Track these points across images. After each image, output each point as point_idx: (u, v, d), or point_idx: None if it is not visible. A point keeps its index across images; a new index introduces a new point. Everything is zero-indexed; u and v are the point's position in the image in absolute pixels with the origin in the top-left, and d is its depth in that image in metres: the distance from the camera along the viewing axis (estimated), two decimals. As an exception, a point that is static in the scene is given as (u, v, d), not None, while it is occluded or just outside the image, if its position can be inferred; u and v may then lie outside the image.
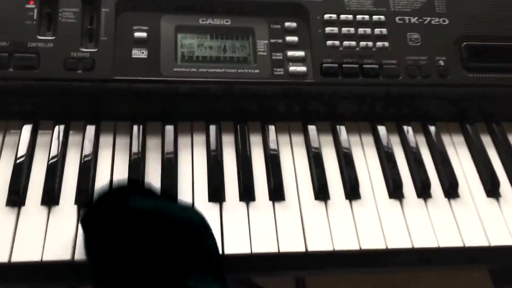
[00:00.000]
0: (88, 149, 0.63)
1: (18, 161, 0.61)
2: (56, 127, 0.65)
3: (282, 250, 0.59)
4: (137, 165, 0.63)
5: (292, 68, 0.69)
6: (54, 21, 0.65)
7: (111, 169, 0.63)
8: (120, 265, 0.50)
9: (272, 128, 0.69)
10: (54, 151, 0.63)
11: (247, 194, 0.62)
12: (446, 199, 0.66)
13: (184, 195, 0.62)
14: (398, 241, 0.61)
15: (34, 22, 0.64)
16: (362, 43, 0.71)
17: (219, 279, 0.52)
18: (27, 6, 0.65)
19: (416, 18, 0.73)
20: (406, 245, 0.61)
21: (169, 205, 0.55)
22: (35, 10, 0.65)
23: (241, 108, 0.69)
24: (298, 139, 0.69)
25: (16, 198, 0.58)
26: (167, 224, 0.52)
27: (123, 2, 0.68)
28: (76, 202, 0.59)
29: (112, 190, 0.56)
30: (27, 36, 0.64)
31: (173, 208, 0.55)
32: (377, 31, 0.72)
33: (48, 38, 0.64)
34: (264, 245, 0.59)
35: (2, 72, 0.62)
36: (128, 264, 0.50)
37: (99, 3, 0.67)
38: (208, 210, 0.60)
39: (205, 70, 0.67)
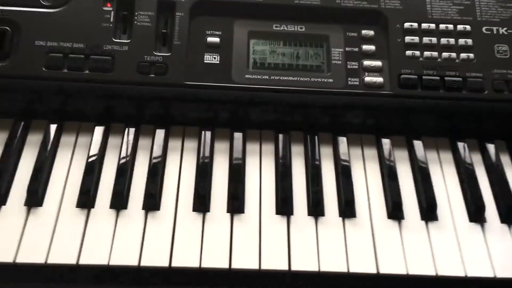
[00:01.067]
0: (157, 153, 0.63)
1: (89, 162, 0.61)
2: (126, 130, 0.65)
3: (351, 270, 0.56)
4: (205, 170, 0.62)
5: (368, 78, 0.65)
6: (130, 24, 0.65)
7: (179, 174, 0.62)
8: None
9: (343, 140, 0.66)
10: (124, 154, 0.62)
11: (316, 208, 0.60)
12: (534, 226, 0.61)
13: (251, 205, 0.60)
14: (479, 269, 0.57)
15: (111, 25, 0.65)
16: (445, 54, 0.66)
17: None
18: (104, 8, 0.66)
19: (505, 28, 0.68)
20: (487, 274, 0.57)
21: None
22: (112, 13, 0.65)
23: (312, 118, 0.67)
24: (371, 153, 0.66)
25: (87, 199, 0.58)
26: None
27: (197, 6, 0.67)
28: (144, 207, 0.59)
29: None
30: (103, 38, 0.64)
31: None
32: (461, 41, 0.67)
33: (124, 41, 0.65)
34: (333, 263, 0.56)
35: (77, 74, 0.63)
36: None
37: (174, 7, 0.66)
38: (275, 224, 0.58)
39: (277, 77, 0.65)
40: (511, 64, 0.66)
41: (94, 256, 0.54)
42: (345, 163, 0.64)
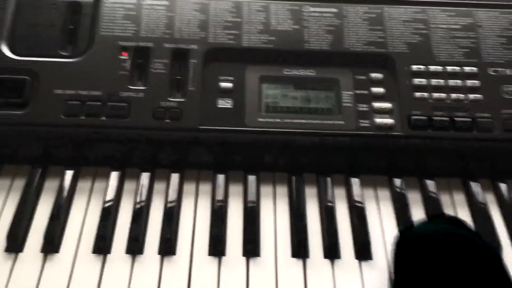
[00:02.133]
0: (172, 197, 0.63)
1: (105, 208, 0.62)
2: (142, 175, 0.65)
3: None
4: (219, 213, 0.62)
5: (378, 120, 0.67)
6: (145, 72, 0.67)
7: (194, 218, 0.63)
8: None
9: (356, 181, 0.67)
10: (139, 198, 0.63)
11: (332, 251, 0.60)
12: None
13: (267, 248, 0.60)
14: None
15: (127, 73, 0.67)
16: (453, 95, 0.68)
17: None
18: (121, 57, 0.68)
19: (510, 69, 0.70)
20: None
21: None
22: (128, 61, 0.67)
23: (324, 160, 0.67)
24: (384, 194, 0.66)
25: (103, 245, 0.59)
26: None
27: (210, 53, 0.69)
28: (159, 252, 0.59)
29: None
30: (119, 86, 0.66)
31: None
32: (469, 82, 0.68)
33: (139, 88, 0.66)
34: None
35: (94, 120, 0.64)
36: None
37: (188, 54, 0.68)
38: (291, 267, 0.58)
39: (289, 120, 0.66)
40: (518, 104, 0.67)
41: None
42: (360, 206, 0.64)
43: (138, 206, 0.62)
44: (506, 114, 0.67)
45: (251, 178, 0.66)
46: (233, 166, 0.67)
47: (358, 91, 0.69)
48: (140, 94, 0.66)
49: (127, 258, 0.58)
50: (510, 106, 0.67)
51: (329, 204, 0.64)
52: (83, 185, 0.65)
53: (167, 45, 0.68)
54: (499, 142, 0.66)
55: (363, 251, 0.60)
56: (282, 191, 0.66)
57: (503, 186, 0.67)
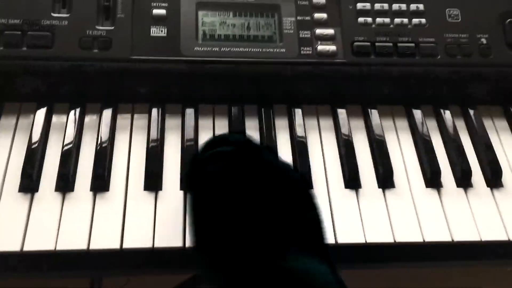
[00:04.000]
0: (104, 132, 0.60)
1: (31, 146, 0.58)
2: (72, 110, 0.61)
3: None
4: (155, 149, 0.59)
5: (320, 47, 0.64)
6: (69, -2, 0.62)
7: (128, 153, 0.60)
8: (226, 227, 0.45)
9: (299, 111, 0.65)
10: (69, 135, 0.59)
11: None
12: (489, 189, 0.61)
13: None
14: (436, 234, 0.57)
15: (48, -1, 0.61)
16: (397, 20, 0.65)
17: (323, 257, 0.46)
18: (41, -19, 0.62)
19: (455, -8, 0.68)
20: (444, 238, 0.56)
21: (290, 167, 0.52)
22: (50, -14, 0.61)
23: (265, 90, 0.65)
24: (327, 124, 0.65)
25: (30, 184, 0.55)
26: (286, 185, 0.48)
27: (141, -23, 0.64)
28: (91, 189, 0.56)
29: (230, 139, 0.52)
30: (41, 13, 0.60)
31: (285, 165, 0.52)
32: (413, 6, 0.66)
33: (63, 16, 0.61)
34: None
35: (14, 51, 0.59)
36: (234, 224, 0.45)
37: (116, -22, 0.63)
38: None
39: (228, 49, 0.63)
40: (462, 28, 0.66)
41: (39, 242, 0.52)
42: (301, 138, 0.62)
43: (67, 142, 0.59)
44: (449, 38, 0.65)
45: (189, 111, 0.63)
46: (171, 99, 0.64)
47: (300, 17, 0.65)
48: (64, 22, 0.61)
49: (57, 196, 0.55)
50: (453, 31, 0.66)
51: (271, 135, 0.62)
52: (7, 122, 0.60)
53: (93, -32, 0.63)
54: (442, 67, 0.64)
55: (306, 181, 0.59)
56: (222, 123, 0.64)
57: (444, 112, 0.66)
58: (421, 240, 0.56)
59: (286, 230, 0.45)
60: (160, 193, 0.57)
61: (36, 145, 0.58)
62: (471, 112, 0.67)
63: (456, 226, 0.57)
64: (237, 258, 0.44)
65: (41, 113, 0.61)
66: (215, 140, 0.52)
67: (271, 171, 0.49)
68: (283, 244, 0.45)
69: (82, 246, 0.52)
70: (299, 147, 0.62)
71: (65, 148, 0.58)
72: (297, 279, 0.43)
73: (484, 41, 0.66)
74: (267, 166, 0.49)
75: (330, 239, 0.55)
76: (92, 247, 0.52)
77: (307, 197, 0.49)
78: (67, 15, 0.61)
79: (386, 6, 0.66)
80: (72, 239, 0.52)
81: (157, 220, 0.55)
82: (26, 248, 0.51)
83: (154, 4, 0.63)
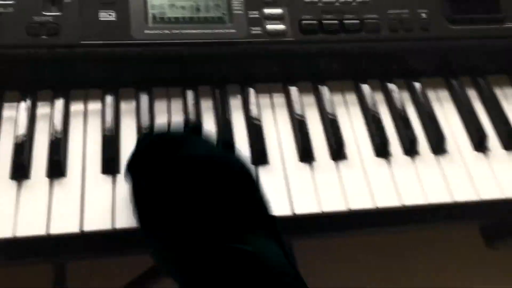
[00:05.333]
0: (57, 119, 0.59)
1: (-18, 136, 0.57)
2: (23, 98, 0.61)
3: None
4: (111, 133, 0.60)
5: (269, 27, 0.65)
6: (13, -16, 0.61)
7: (83, 140, 0.60)
8: (170, 215, 0.46)
9: (251, 90, 0.66)
10: (21, 123, 0.59)
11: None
12: (434, 156, 0.64)
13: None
14: (387, 200, 0.60)
15: (-9, -15, 0.60)
16: (342, -2, 0.68)
17: (274, 234, 0.47)
18: (-17, -33, 0.60)
19: (395, -32, 0.70)
20: (395, 203, 0.60)
21: (223, 153, 0.52)
22: (-9, -28, 0.60)
23: (218, 71, 0.66)
24: (280, 101, 0.67)
25: (-17, 173, 0.55)
26: (222, 173, 0.48)
27: (86, -39, 0.63)
28: (48, 175, 0.56)
29: (165, 134, 0.53)
30: (-17, 0, 0.59)
31: (229, 157, 0.52)
32: (356, -16, 0.69)
33: (8, 2, 0.60)
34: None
35: (-43, 40, 0.58)
36: (179, 215, 0.46)
37: (61, -38, 0.62)
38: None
39: (178, 31, 0.63)
40: (403, 3, 0.69)
41: (-4, 230, 0.51)
42: (255, 116, 0.64)
43: (20, 130, 0.58)
44: (392, 14, 0.68)
45: (143, 95, 0.63)
46: (123, 83, 0.64)
47: (248, -2, 0.67)
48: (9, 9, 0.59)
49: (12, 184, 0.55)
50: (396, 6, 0.68)
51: (226, 117, 0.64)
52: (-46, 112, 0.59)
53: (36, -47, 0.62)
54: (386, 42, 0.67)
55: (259, 158, 0.61)
56: (177, 106, 0.64)
57: (391, 86, 0.69)
58: (373, 206, 0.59)
59: (235, 214, 0.46)
60: (118, 176, 0.57)
61: (-13, 135, 0.57)
62: (416, 84, 0.70)
63: (405, 191, 0.60)
64: (187, 240, 0.45)
65: (-10, 103, 0.60)
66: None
67: (208, 163, 0.49)
68: (235, 226, 0.45)
69: (41, 231, 0.52)
70: (254, 125, 0.63)
71: (18, 136, 0.58)
72: (250, 260, 0.43)
73: (424, 15, 0.69)
74: (201, 159, 0.49)
75: (287, 210, 0.57)
76: (52, 231, 0.52)
77: (249, 181, 0.50)
78: (13, 1, 0.60)
79: (331, -16, 0.68)
80: (31, 225, 0.52)
81: (117, 202, 0.55)
82: (-17, 237, 0.51)
83: (102, -12, 0.63)
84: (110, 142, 0.59)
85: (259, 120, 0.64)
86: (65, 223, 0.53)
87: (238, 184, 0.49)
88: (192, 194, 0.46)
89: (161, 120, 0.63)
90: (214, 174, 0.48)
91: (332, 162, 0.62)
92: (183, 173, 0.47)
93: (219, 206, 0.46)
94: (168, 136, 0.54)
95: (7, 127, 0.59)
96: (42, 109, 0.61)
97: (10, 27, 0.59)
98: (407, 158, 0.64)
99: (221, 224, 0.45)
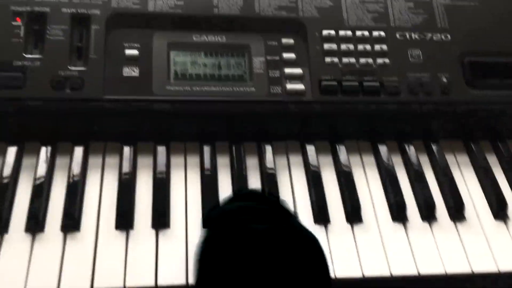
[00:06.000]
0: (75, 171, 0.60)
1: (1, 186, 0.58)
2: (43, 149, 0.62)
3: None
4: (127, 187, 0.60)
5: (289, 86, 0.66)
6: (42, 39, 0.63)
7: (100, 192, 0.60)
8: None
9: (269, 148, 0.66)
10: (40, 174, 0.59)
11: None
12: (452, 222, 0.63)
13: (177, 220, 0.59)
14: (403, 267, 0.58)
15: (21, 40, 0.62)
16: (362, 60, 0.68)
17: None
18: (14, 23, 0.62)
19: (417, 33, 0.71)
20: (412, 271, 0.58)
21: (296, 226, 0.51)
22: (22, 28, 0.62)
23: (236, 128, 0.66)
24: (296, 160, 0.67)
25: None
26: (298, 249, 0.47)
27: (113, 18, 0.65)
28: (62, 229, 0.56)
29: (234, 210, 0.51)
30: (13, 54, 0.61)
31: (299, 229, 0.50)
32: (377, 47, 0.69)
33: (35, 57, 0.62)
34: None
35: (-15, 92, 0.59)
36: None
37: (89, 20, 0.64)
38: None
39: (199, 88, 0.65)
40: (424, 67, 0.69)
41: (7, 285, 0.51)
42: (271, 173, 0.64)
43: (37, 182, 0.59)
44: (411, 77, 0.68)
45: (161, 149, 0.64)
46: (142, 137, 0.65)
47: (269, 57, 0.68)
48: (36, 63, 0.61)
49: (26, 237, 0.55)
50: (415, 70, 0.69)
51: (243, 173, 0.64)
52: (-24, 162, 0.60)
53: (65, 10, 0.64)
54: (405, 104, 0.67)
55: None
56: (194, 161, 0.65)
57: (409, 148, 0.69)
58: (388, 274, 0.58)
59: None
60: (131, 232, 0.57)
61: (6, 184, 0.58)
62: (434, 147, 0.70)
63: (422, 259, 0.59)
64: None
65: (11, 152, 0.61)
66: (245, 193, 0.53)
67: (292, 239, 0.48)
68: None
69: (52, 287, 0.52)
70: (269, 183, 0.63)
71: (36, 187, 0.58)
72: None
73: (444, 79, 0.69)
74: (289, 234, 0.48)
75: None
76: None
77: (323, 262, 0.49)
78: (40, 56, 0.62)
79: (351, 46, 0.69)
80: (42, 281, 0.52)
81: (128, 260, 0.55)
82: (-5, 291, 0.51)
83: (127, 44, 0.65)
84: (126, 196, 0.59)
85: (274, 179, 0.64)
86: (76, 280, 0.52)
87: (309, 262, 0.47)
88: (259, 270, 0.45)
89: (177, 174, 0.63)
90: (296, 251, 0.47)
91: (347, 225, 0.61)
92: (253, 248, 0.46)
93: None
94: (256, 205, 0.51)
95: (26, 177, 0.60)
96: (61, 161, 0.62)
97: (36, 80, 0.61)
98: (424, 224, 0.62)
99: None
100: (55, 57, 0.62)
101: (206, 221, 0.52)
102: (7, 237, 0.55)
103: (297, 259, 0.47)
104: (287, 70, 0.67)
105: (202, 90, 0.64)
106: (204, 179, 0.62)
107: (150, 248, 0.56)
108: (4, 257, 0.53)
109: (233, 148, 0.66)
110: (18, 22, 0.63)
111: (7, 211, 0.57)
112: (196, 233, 0.57)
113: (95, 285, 0.53)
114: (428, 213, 0.63)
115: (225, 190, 0.62)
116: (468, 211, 0.64)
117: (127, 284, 0.53)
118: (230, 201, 0.54)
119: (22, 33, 0.62)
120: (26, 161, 0.61)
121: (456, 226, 0.63)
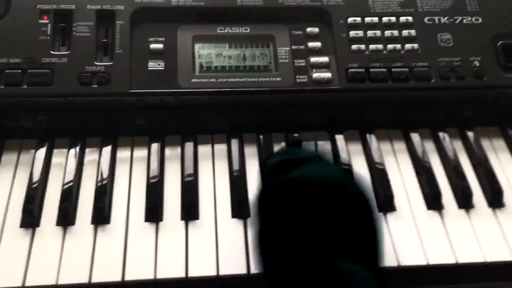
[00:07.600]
0: (104, 166, 0.60)
1: (32, 182, 0.58)
2: (72, 144, 0.62)
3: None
4: (155, 180, 0.60)
5: (316, 75, 0.65)
6: (68, 36, 0.63)
7: (129, 186, 0.60)
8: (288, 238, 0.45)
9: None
10: (70, 169, 0.60)
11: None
12: (490, 209, 0.61)
13: (206, 212, 0.58)
14: (440, 256, 0.56)
15: (48, 37, 0.63)
16: (390, 46, 0.67)
17: (371, 267, 0.45)
18: (41, 21, 0.63)
19: (446, 17, 0.69)
20: (450, 260, 0.56)
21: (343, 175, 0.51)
22: (49, 25, 0.63)
23: (263, 119, 0.66)
24: (326, 149, 0.65)
25: (30, 219, 0.55)
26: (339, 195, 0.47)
27: (138, 13, 0.65)
28: (92, 222, 0.56)
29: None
30: (40, 51, 0.62)
31: (348, 179, 0.51)
32: (405, 32, 0.67)
33: (62, 53, 0.62)
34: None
35: (15, 90, 0.60)
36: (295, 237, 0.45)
37: (114, 16, 0.65)
38: (231, 228, 0.57)
39: (225, 80, 0.64)
40: (455, 52, 0.67)
41: (41, 277, 0.51)
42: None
43: (68, 177, 0.59)
44: (442, 62, 0.66)
45: (188, 142, 0.64)
46: (169, 131, 0.65)
47: (294, 47, 0.67)
48: (64, 59, 0.62)
49: (58, 230, 0.55)
50: (445, 54, 0.67)
51: (271, 163, 0.63)
52: (8, 158, 0.61)
53: (90, 7, 0.65)
54: (437, 90, 0.65)
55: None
56: (222, 152, 0.64)
57: (442, 135, 0.67)
58: (425, 263, 0.56)
59: (339, 242, 0.45)
60: (161, 224, 0.57)
61: (37, 180, 0.58)
62: (469, 133, 0.67)
63: (459, 248, 0.57)
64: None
65: (42, 149, 0.61)
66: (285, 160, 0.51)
67: (336, 190, 0.48)
68: (333, 252, 0.45)
69: (84, 279, 0.52)
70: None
71: (66, 182, 0.59)
72: (341, 278, 0.43)
73: (477, 63, 0.67)
74: (333, 186, 0.48)
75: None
76: (94, 280, 0.51)
77: (364, 210, 0.48)
78: (67, 52, 0.62)
79: (378, 33, 0.67)
80: (74, 273, 0.52)
81: (159, 252, 0.54)
82: (27, 284, 0.51)
83: (152, 39, 0.65)
84: (155, 189, 0.59)
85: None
86: (107, 272, 0.52)
87: (352, 208, 0.47)
88: (309, 215, 0.46)
89: (205, 166, 0.63)
90: (332, 196, 0.47)
91: (380, 214, 0.59)
92: (302, 196, 0.47)
93: (330, 227, 0.46)
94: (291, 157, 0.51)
95: (56, 173, 0.60)
96: (90, 156, 0.62)
97: (63, 76, 0.61)
98: (461, 212, 0.60)
99: (325, 244, 0.45)
100: (81, 53, 0.63)
101: (265, 169, 0.52)
102: (38, 230, 0.55)
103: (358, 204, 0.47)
104: (313, 59, 0.66)
105: (227, 82, 0.64)
106: (232, 170, 0.62)
107: (180, 240, 0.55)
108: (36, 251, 0.53)
109: (261, 138, 0.65)
110: (45, 20, 0.63)
111: (39, 207, 0.57)
112: (226, 224, 0.57)
113: (126, 277, 0.52)
114: (465, 201, 0.61)
115: (253, 180, 0.61)
116: (507, 197, 0.62)
117: (158, 276, 0.53)
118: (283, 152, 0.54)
119: (49, 30, 0.63)
120: (56, 158, 0.62)
121: (495, 213, 0.60)
